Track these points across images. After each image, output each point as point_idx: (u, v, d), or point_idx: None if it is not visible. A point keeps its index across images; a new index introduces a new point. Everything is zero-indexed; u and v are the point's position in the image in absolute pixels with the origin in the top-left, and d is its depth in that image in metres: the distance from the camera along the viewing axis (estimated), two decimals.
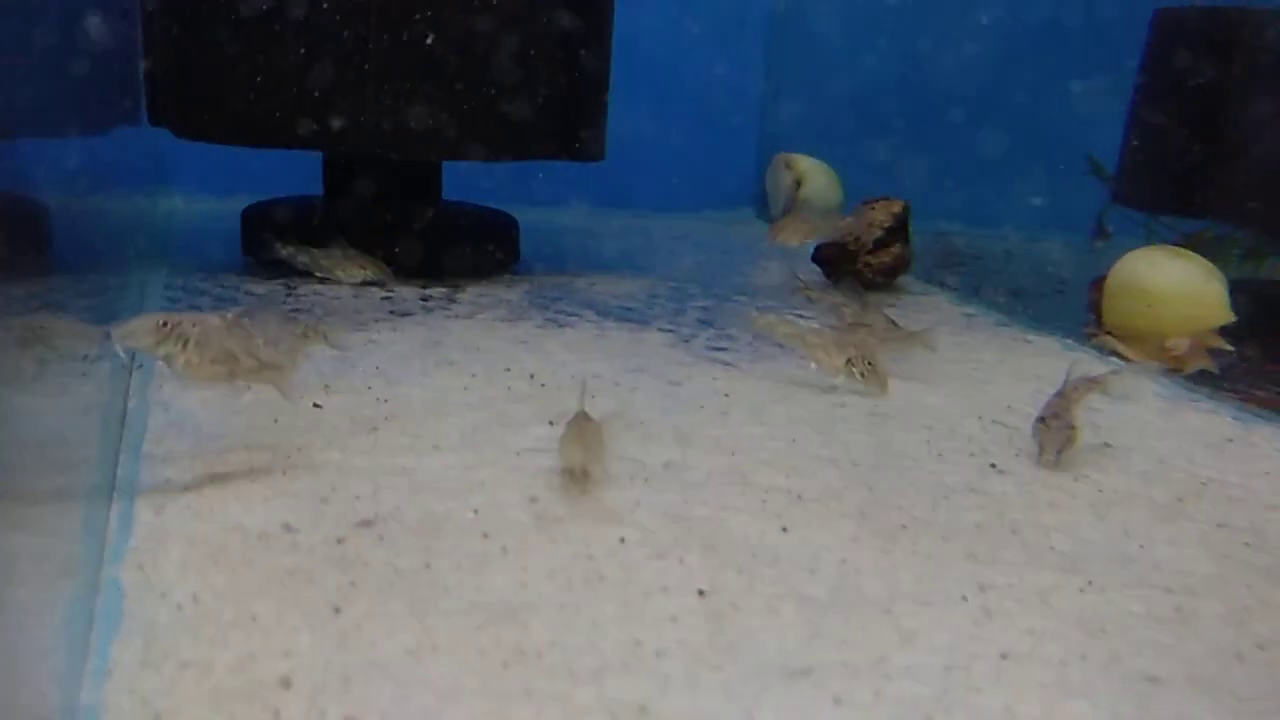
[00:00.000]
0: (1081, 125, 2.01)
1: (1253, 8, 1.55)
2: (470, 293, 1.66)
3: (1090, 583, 0.79)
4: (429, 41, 1.56)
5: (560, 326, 1.49)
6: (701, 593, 0.74)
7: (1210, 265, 1.41)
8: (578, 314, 1.56)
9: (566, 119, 1.71)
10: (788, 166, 2.48)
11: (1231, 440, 1.15)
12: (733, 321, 1.59)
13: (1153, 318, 1.39)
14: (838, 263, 1.83)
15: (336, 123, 1.56)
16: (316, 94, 1.54)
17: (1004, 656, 0.69)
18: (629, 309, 1.62)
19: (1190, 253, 1.45)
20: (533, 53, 1.63)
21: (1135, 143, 1.69)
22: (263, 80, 1.55)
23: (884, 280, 1.82)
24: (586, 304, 1.63)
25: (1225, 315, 1.37)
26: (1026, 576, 0.80)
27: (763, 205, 2.58)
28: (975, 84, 2.47)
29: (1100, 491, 0.98)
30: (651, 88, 2.53)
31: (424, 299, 1.60)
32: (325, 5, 1.52)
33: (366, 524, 0.82)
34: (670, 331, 1.50)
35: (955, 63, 2.47)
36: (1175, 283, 1.39)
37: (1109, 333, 1.45)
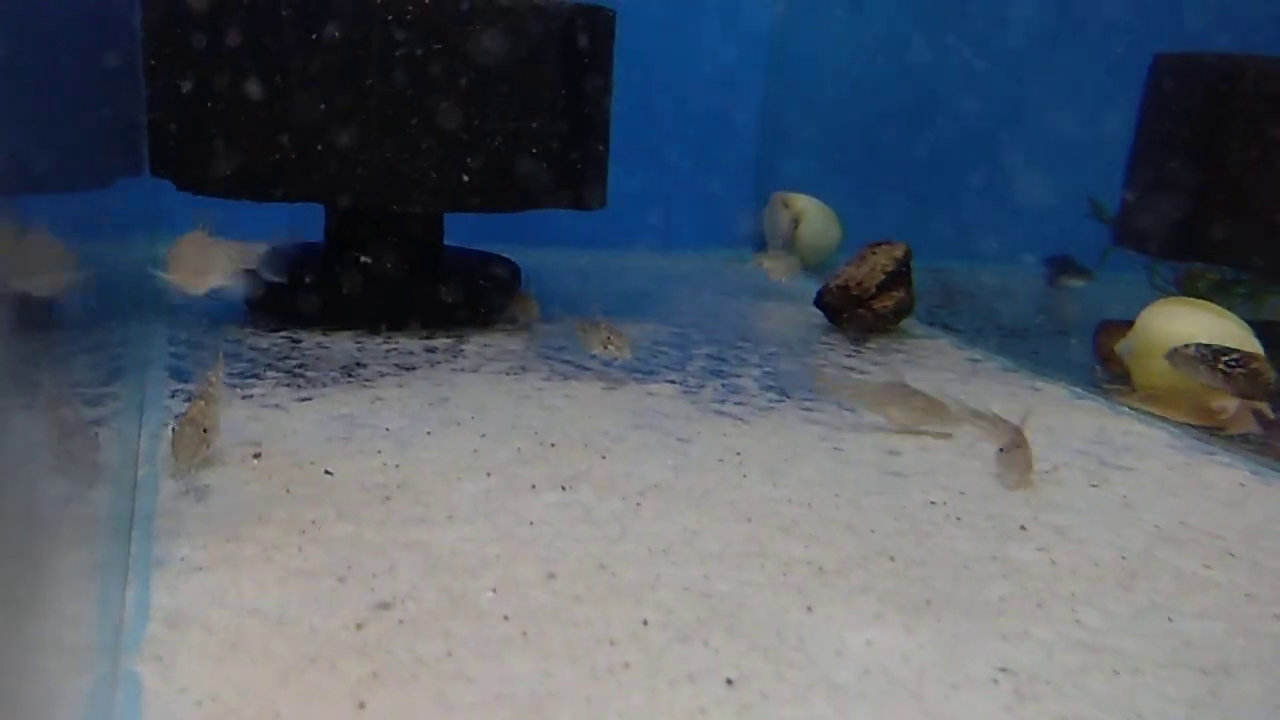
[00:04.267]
0: (1082, 163, 2.02)
1: (1248, 55, 1.56)
2: (474, 343, 1.65)
3: (1123, 663, 0.79)
4: (428, 94, 1.56)
5: (566, 379, 1.48)
6: (730, 681, 0.73)
7: (1242, 322, 1.39)
8: (583, 365, 1.56)
9: (567, 170, 1.72)
10: (785, 205, 2.49)
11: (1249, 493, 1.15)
12: (738, 370, 1.59)
13: (1192, 381, 1.36)
14: (842, 307, 1.83)
15: (336, 176, 1.56)
16: (317, 147, 1.54)
17: None
18: (634, 359, 1.62)
19: (1215, 306, 1.43)
20: (534, 104, 1.63)
21: (1135, 186, 1.70)
22: (262, 133, 1.54)
23: (888, 325, 1.82)
24: (591, 354, 1.62)
25: (1271, 376, 1.36)
26: (1055, 657, 0.79)
27: (761, 244, 2.59)
28: (974, 122, 2.49)
29: (1124, 559, 0.97)
30: (650, 129, 2.54)
31: (429, 350, 1.60)
32: (325, 58, 1.52)
33: (385, 606, 0.81)
34: (677, 383, 1.50)
35: (953, 101, 2.49)
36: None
37: (1144, 393, 1.42)
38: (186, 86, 1.56)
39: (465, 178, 1.61)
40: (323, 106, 1.53)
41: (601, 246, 2.48)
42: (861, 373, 1.62)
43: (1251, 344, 1.34)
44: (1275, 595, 0.92)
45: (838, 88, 2.58)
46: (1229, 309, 1.45)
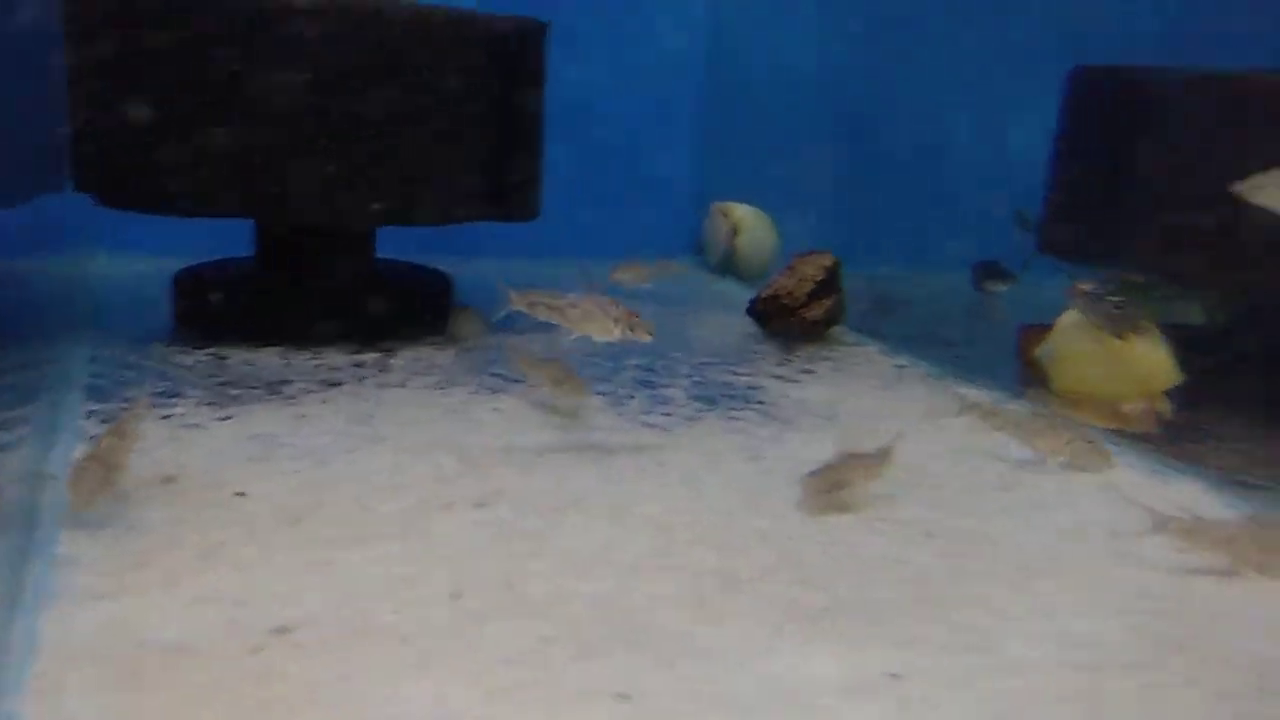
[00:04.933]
0: (1009, 171, 2.05)
1: (1156, 67, 1.60)
2: (404, 357, 1.64)
3: (1009, 663, 0.80)
4: (358, 109, 1.55)
5: (493, 393, 1.48)
6: (627, 697, 0.74)
7: (1153, 326, 1.44)
8: (514, 379, 1.55)
9: (498, 182, 1.72)
10: (724, 215, 2.51)
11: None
12: (668, 380, 1.59)
13: (1104, 382, 1.41)
14: (773, 317, 1.85)
15: (264, 192, 1.54)
16: (244, 163, 1.53)
17: None
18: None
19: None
20: (464, 117, 1.63)
21: (1055, 194, 1.73)
22: (188, 149, 1.53)
23: (818, 332, 1.84)
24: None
25: (1175, 377, 1.40)
26: (946, 660, 0.80)
27: (702, 253, 2.61)
28: (906, 131, 2.53)
29: (1024, 559, 0.99)
30: (589, 138, 2.55)
31: (357, 365, 1.59)
32: (252, 73, 1.50)
33: (284, 630, 0.80)
34: (605, 395, 1.50)
35: (886, 110, 2.53)
36: (1124, 346, 1.41)
37: (1060, 396, 1.46)
38: (108, 101, 1.53)
39: (393, 192, 1.60)
40: (252, 121, 1.52)
41: (540, 256, 2.47)
42: (791, 380, 1.63)
43: (1167, 355, 1.38)
44: (1149, 588, 0.94)
45: (774, 98, 2.61)
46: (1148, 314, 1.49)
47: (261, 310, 1.69)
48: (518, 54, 1.70)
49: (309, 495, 1.07)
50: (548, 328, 1.37)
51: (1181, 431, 1.36)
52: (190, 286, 1.73)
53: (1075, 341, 1.42)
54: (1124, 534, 1.05)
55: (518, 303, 1.34)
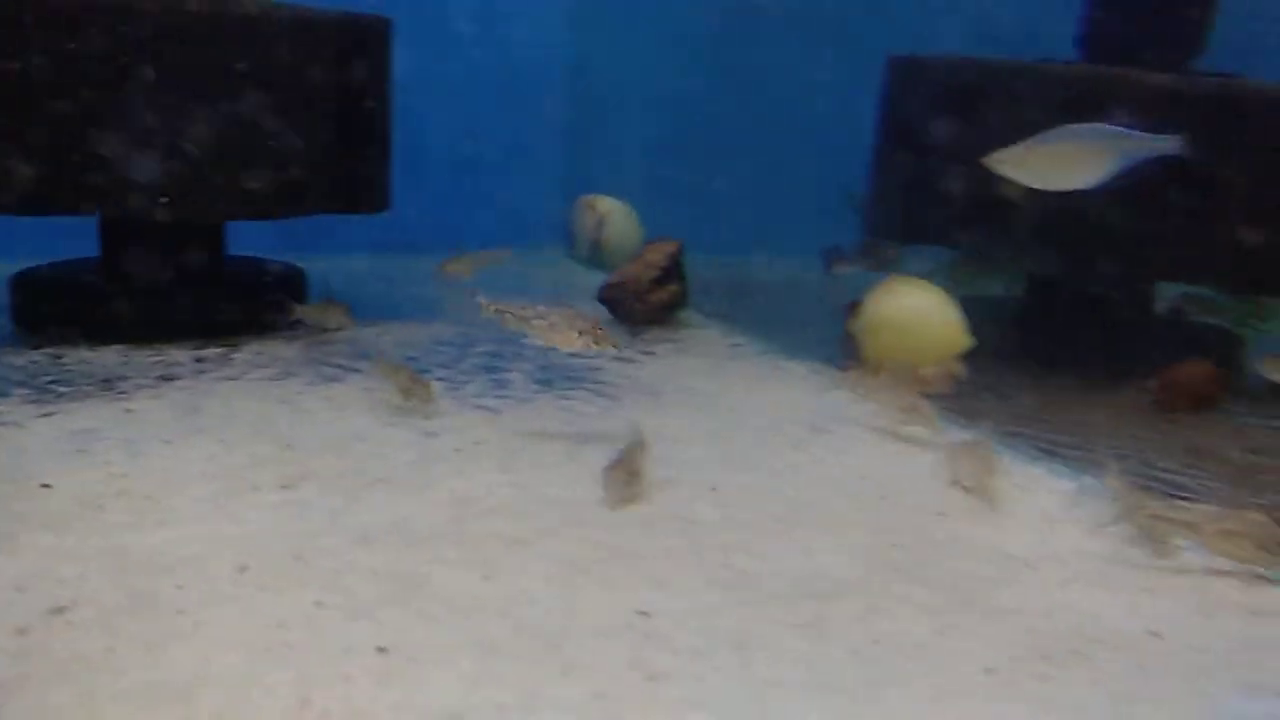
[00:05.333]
0: (848, 159, 2.14)
1: (959, 56, 1.70)
2: (247, 351, 1.65)
3: (753, 597, 0.87)
4: (194, 103, 1.56)
5: (329, 382, 1.50)
6: (382, 649, 0.78)
7: (945, 295, 1.53)
8: (353, 368, 1.58)
9: (344, 172, 1.74)
10: (590, 208, 2.56)
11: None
12: (511, 365, 1.64)
13: (906, 349, 1.50)
14: (620, 302, 1.91)
15: (103, 188, 1.54)
16: (82, 158, 1.52)
17: (651, 679, 0.75)
18: (408, 358, 1.65)
19: (928, 284, 1.57)
20: (304, 108, 1.65)
21: (877, 177, 1.82)
22: (23, 145, 1.52)
23: (662, 316, 1.90)
24: (365, 356, 1.65)
25: (966, 341, 1.50)
26: (695, 598, 0.87)
27: (570, 245, 2.66)
28: (763, 122, 2.62)
29: (793, 510, 1.06)
30: (455, 131, 2.59)
31: (198, 360, 1.60)
32: (89, 68, 1.50)
33: (59, 610, 0.83)
34: (444, 380, 1.54)
35: (740, 101, 2.62)
36: (919, 317, 1.50)
37: (870, 364, 1.55)
38: None
39: (233, 186, 1.61)
40: (87, 117, 1.51)
41: (409, 251, 2.50)
42: (631, 362, 1.69)
43: (958, 320, 1.47)
44: (898, 527, 1.02)
45: (634, 95, 2.68)
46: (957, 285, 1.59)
47: (102, 309, 1.68)
48: (360, 49, 1.73)
49: (116, 485, 1.09)
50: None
51: (968, 391, 1.46)
52: (28, 287, 1.72)
53: (880, 313, 1.51)
54: (892, 481, 1.13)
55: (487, 311, 1.35)
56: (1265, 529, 0.95)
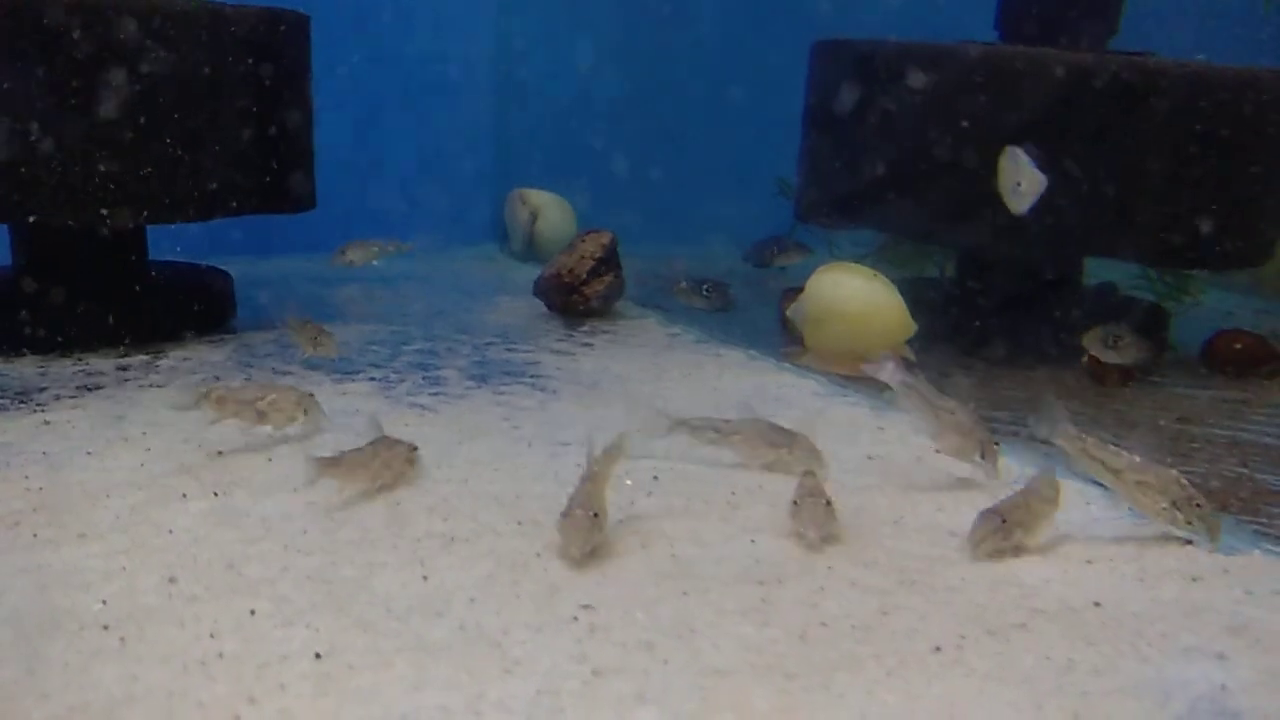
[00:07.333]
0: (780, 147, 2.15)
1: (879, 39, 1.70)
2: (173, 358, 1.60)
3: (695, 585, 0.86)
4: (105, 104, 1.50)
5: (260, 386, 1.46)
6: (319, 656, 0.76)
7: (888, 281, 1.53)
8: (284, 370, 1.54)
9: (266, 172, 1.69)
10: (523, 202, 2.54)
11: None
12: (445, 362, 1.61)
13: (853, 337, 1.49)
14: (556, 293, 1.89)
15: (15, 192, 1.48)
16: None
17: (596, 674, 0.74)
18: (340, 359, 1.61)
19: (866, 269, 1.57)
20: (221, 109, 1.60)
21: (805, 164, 1.83)
22: None
23: (600, 307, 1.89)
24: (295, 359, 1.61)
25: (910, 328, 1.50)
26: (639, 590, 0.85)
27: (505, 240, 2.63)
28: (686, 115, 2.63)
29: (733, 493, 1.06)
30: (386, 130, 2.54)
31: (121, 368, 1.54)
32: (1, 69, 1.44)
33: None
34: (377, 380, 1.51)
35: (673, 96, 2.62)
36: (865, 304, 1.50)
37: (813, 352, 1.55)
38: None
39: (146, 188, 1.56)
40: None
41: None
42: (567, 354, 1.67)
43: (902, 307, 1.48)
44: (852, 509, 1.02)
45: (565, 84, 2.66)
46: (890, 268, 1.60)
47: (16, 319, 1.61)
48: (278, 45, 1.68)
49: (34, 499, 1.04)
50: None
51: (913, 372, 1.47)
52: None
53: (823, 303, 1.50)
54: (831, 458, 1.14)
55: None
56: (1180, 489, 0.97)
